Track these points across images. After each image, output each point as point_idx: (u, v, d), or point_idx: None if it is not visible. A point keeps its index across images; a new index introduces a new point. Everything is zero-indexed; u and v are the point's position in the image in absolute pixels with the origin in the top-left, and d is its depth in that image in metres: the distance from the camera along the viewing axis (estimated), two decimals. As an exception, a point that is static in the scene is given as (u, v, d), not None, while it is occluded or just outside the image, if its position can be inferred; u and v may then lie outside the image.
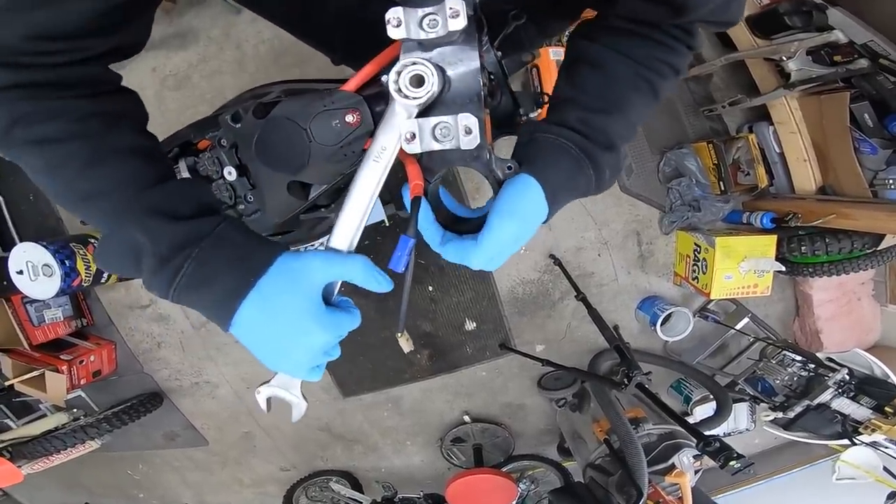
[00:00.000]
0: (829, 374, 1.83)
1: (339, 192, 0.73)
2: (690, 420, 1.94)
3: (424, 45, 0.45)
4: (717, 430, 1.88)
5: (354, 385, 2.37)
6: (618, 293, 2.18)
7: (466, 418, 2.44)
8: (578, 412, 2.10)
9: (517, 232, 0.50)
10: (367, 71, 0.52)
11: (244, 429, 2.57)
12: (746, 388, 2.05)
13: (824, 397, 1.83)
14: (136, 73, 1.91)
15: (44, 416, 2.39)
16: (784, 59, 1.58)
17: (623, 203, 2.05)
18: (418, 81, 0.44)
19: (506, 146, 0.58)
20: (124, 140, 0.49)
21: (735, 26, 1.64)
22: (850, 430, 1.79)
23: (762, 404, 2.02)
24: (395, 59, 0.45)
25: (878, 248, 1.68)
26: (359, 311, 0.51)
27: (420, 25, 0.42)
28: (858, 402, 1.79)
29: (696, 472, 1.68)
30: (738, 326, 2.10)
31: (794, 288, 2.17)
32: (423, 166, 0.50)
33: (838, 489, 1.98)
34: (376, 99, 0.53)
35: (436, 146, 0.45)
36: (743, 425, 2.18)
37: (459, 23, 0.41)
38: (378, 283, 0.49)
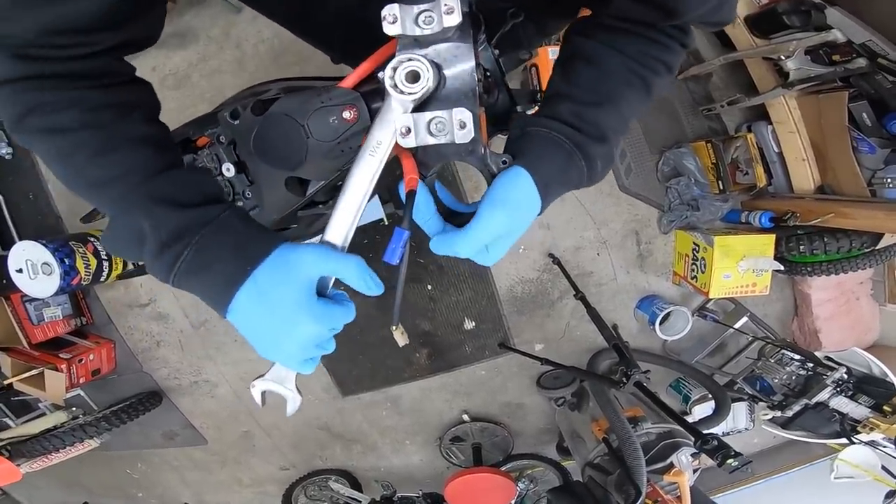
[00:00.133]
0: (828, 373, 1.83)
1: (336, 189, 0.73)
2: (689, 419, 1.94)
3: (420, 42, 0.45)
4: (715, 430, 1.88)
5: (353, 384, 2.37)
6: (617, 292, 2.18)
7: (465, 417, 2.44)
8: (577, 411, 2.10)
9: (507, 222, 0.50)
10: (364, 68, 0.53)
11: (243, 428, 2.57)
12: (745, 387, 2.05)
13: (823, 396, 1.83)
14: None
15: (43, 414, 2.39)
16: (783, 58, 1.58)
17: (622, 202, 2.05)
18: (414, 77, 0.44)
19: (502, 144, 0.58)
20: (134, 129, 0.50)
21: (732, 25, 1.65)
22: (848, 428, 1.79)
23: (761, 403, 2.02)
24: (392, 56, 0.46)
25: (877, 248, 1.68)
26: (353, 305, 0.51)
27: (416, 22, 0.43)
28: (857, 401, 1.79)
29: (695, 471, 1.69)
30: (737, 325, 2.10)
31: (793, 287, 2.18)
32: (419, 161, 0.50)
33: (837, 488, 1.98)
34: (373, 96, 0.53)
35: (431, 140, 0.46)
36: (741, 424, 2.18)
37: (454, 19, 0.42)
38: (368, 286, 0.49)
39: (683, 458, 1.60)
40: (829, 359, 1.98)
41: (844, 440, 1.82)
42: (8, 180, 2.10)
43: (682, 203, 1.99)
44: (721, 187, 1.92)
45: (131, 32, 0.49)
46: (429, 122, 0.45)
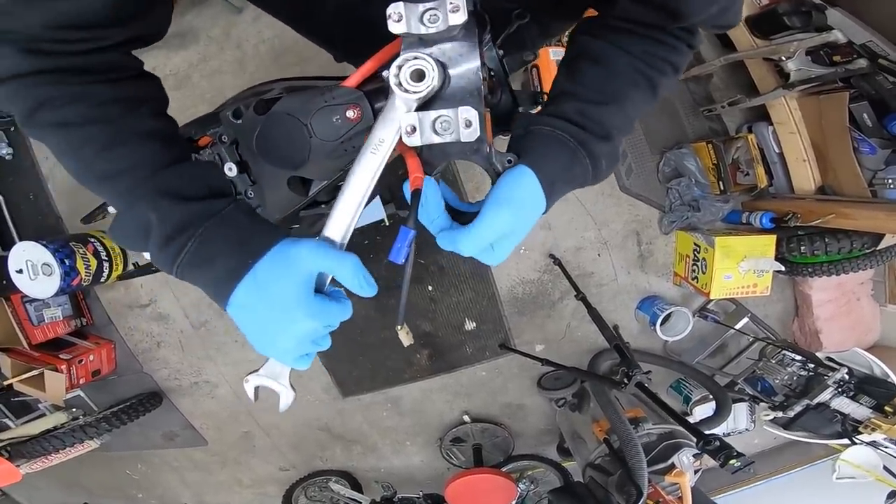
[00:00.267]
0: (829, 374, 1.83)
1: (339, 189, 0.73)
2: (690, 420, 1.94)
3: (425, 41, 0.45)
4: (716, 430, 1.88)
5: (354, 385, 2.37)
6: (617, 293, 2.18)
7: (466, 418, 2.44)
8: (578, 412, 2.10)
9: (512, 220, 0.49)
10: (368, 67, 0.52)
11: (243, 429, 2.56)
12: (746, 388, 2.05)
13: (824, 397, 1.83)
14: (136, 73, 1.91)
15: (43, 415, 2.39)
16: (783, 59, 1.59)
17: (623, 203, 2.05)
18: (419, 76, 0.44)
19: (504, 145, 0.58)
20: (142, 124, 0.50)
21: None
22: (849, 429, 1.79)
23: (762, 404, 2.02)
24: (396, 56, 0.45)
25: (878, 248, 1.68)
26: (350, 303, 0.51)
27: (421, 20, 0.43)
28: (858, 402, 1.79)
29: (696, 471, 1.68)
30: (738, 326, 2.10)
31: (794, 288, 2.18)
32: (423, 160, 0.50)
33: (838, 488, 1.98)
34: (377, 95, 0.53)
35: (436, 139, 0.45)
36: (742, 425, 2.18)
37: (460, 17, 0.41)
38: (362, 287, 0.48)
39: (685, 458, 1.59)
40: (831, 359, 1.97)
41: (846, 441, 1.82)
42: (8, 180, 2.10)
43: (683, 204, 1.99)
44: (722, 188, 1.92)
45: (138, 27, 0.50)
46: (434, 121, 0.45)
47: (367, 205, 0.51)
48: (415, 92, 0.44)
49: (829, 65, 1.59)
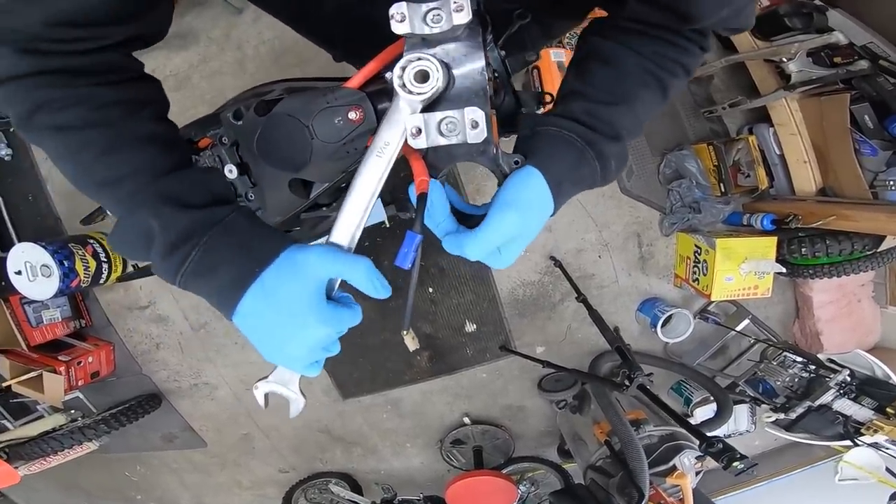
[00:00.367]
0: (830, 376, 1.83)
1: (340, 191, 0.72)
2: (690, 422, 1.93)
3: (428, 41, 0.44)
4: (717, 432, 1.87)
5: (354, 387, 2.36)
6: (618, 295, 2.17)
7: (466, 420, 2.43)
8: (579, 414, 2.10)
9: (520, 223, 0.49)
10: (371, 68, 0.52)
11: (243, 430, 2.55)
12: (747, 390, 2.04)
13: (825, 398, 1.82)
14: (136, 74, 1.91)
15: (41, 417, 2.37)
16: (784, 60, 1.58)
17: (623, 205, 2.05)
18: (423, 77, 0.44)
19: (508, 147, 0.58)
20: (143, 128, 0.49)
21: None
22: (851, 431, 1.78)
23: (763, 406, 2.02)
24: (399, 57, 0.45)
25: (879, 250, 1.68)
26: (360, 308, 0.50)
27: (424, 20, 0.42)
28: (860, 403, 1.79)
29: (697, 473, 1.68)
30: (739, 328, 2.10)
31: (795, 290, 2.17)
32: (429, 163, 0.49)
33: (839, 490, 1.98)
34: (379, 96, 0.53)
35: (442, 141, 0.45)
36: (743, 427, 2.17)
37: (463, 17, 0.41)
38: (377, 289, 0.48)
39: (686, 460, 1.59)
40: (832, 361, 1.97)
41: (848, 442, 1.82)
42: (7, 182, 2.09)
43: (684, 205, 1.99)
44: (722, 189, 1.92)
45: (139, 26, 0.49)
46: (439, 123, 0.45)
47: (370, 208, 0.50)
48: (419, 93, 0.44)
49: (830, 66, 1.59)
